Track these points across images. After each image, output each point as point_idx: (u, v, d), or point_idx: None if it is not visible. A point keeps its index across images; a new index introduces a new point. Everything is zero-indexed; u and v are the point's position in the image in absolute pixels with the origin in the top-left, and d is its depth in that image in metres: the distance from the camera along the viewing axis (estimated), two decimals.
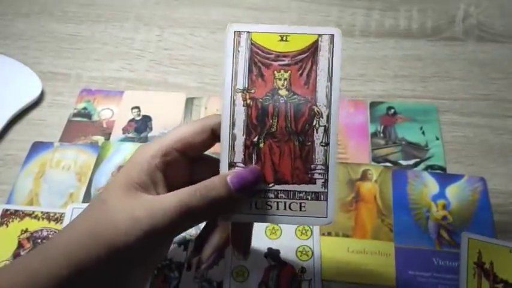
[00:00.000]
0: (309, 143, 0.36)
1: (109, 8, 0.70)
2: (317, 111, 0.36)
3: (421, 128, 0.55)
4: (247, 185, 0.35)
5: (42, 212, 0.49)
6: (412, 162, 0.53)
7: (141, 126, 0.57)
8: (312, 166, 0.36)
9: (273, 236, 0.47)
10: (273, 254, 0.46)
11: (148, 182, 0.35)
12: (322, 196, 0.36)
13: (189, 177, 0.38)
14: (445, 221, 0.48)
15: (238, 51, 0.37)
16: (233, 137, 0.37)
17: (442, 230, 0.47)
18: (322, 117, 0.36)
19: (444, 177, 0.51)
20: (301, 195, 0.36)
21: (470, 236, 0.45)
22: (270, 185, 0.36)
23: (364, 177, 0.51)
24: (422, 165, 0.52)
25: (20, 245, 0.47)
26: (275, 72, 0.37)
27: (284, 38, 0.37)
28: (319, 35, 0.37)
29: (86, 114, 0.58)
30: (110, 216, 0.33)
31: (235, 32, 0.37)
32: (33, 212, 0.49)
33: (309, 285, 0.44)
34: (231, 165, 0.36)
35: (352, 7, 0.69)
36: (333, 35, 0.37)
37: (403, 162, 0.53)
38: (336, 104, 0.36)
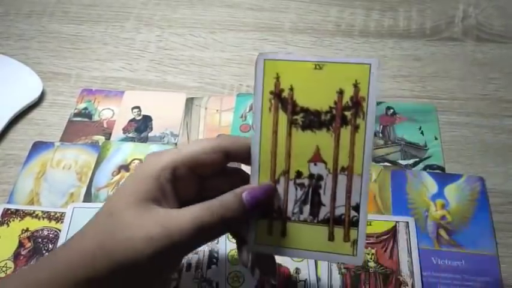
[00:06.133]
0: None
1: (109, 9, 0.71)
2: (402, 280, 0.44)
3: (420, 128, 0.55)
4: (259, 204, 0.35)
5: (42, 212, 0.50)
6: (411, 162, 0.53)
7: (141, 126, 0.57)
8: None
9: None
10: None
11: (159, 194, 0.34)
12: None
13: (198, 191, 0.37)
14: (444, 220, 0.48)
15: None
16: None
17: (441, 229, 0.47)
18: (408, 286, 0.43)
19: (443, 176, 0.51)
20: None
21: (267, 58, 0.36)
22: None
23: None
24: (421, 165, 0.52)
25: (21, 244, 0.47)
26: None
27: (368, 223, 0.46)
28: (397, 222, 0.47)
29: (86, 114, 0.59)
30: (125, 232, 0.32)
31: None
32: (34, 211, 0.50)
33: (305, 285, 0.44)
34: None
35: (351, 7, 0.69)
36: (407, 222, 0.47)
37: (402, 162, 0.53)
38: (418, 276, 0.44)
